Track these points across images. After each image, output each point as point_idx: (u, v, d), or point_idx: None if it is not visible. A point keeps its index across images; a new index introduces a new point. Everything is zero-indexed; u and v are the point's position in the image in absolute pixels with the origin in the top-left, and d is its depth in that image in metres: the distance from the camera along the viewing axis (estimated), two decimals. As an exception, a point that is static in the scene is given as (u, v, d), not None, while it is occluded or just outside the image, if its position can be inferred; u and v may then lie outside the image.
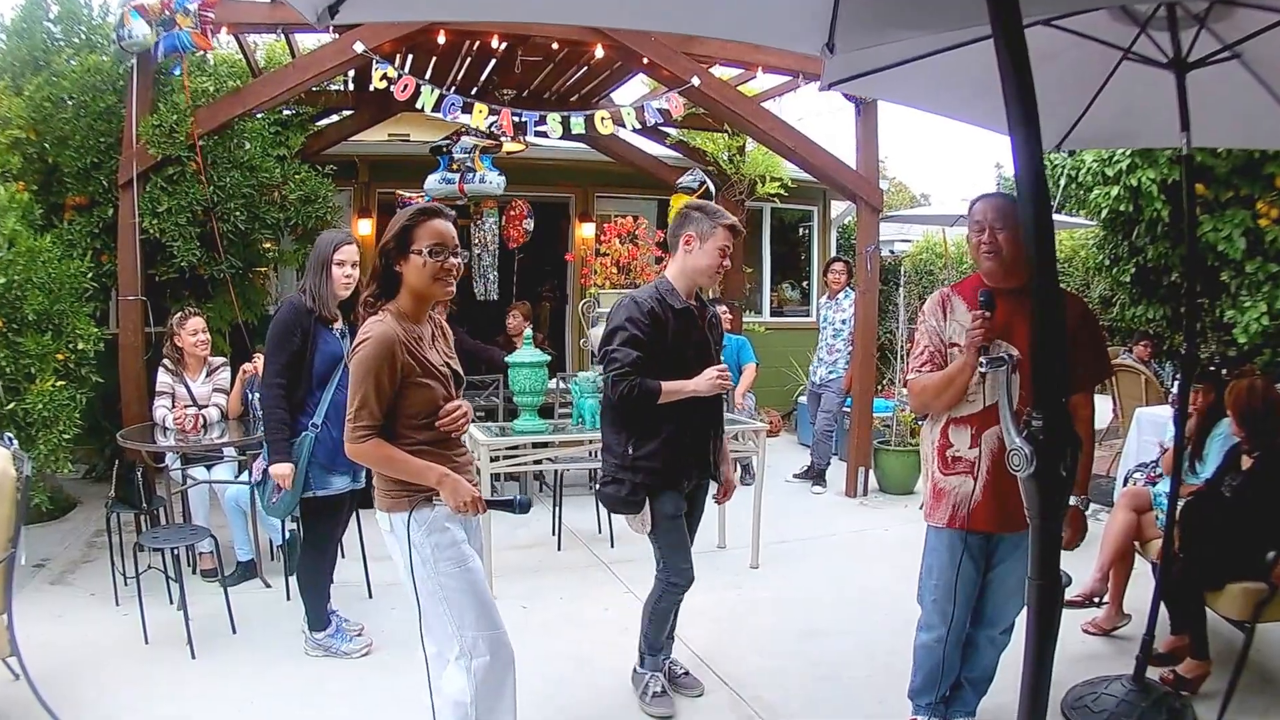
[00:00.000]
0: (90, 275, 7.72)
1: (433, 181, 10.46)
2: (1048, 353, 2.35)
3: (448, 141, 10.44)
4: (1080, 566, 5.80)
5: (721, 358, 5.19)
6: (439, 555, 3.69)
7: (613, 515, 7.60)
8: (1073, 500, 4.22)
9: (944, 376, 4.11)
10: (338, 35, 8.37)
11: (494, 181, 10.57)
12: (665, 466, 4.84)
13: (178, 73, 8.44)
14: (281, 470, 5.35)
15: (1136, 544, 5.82)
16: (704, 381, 4.79)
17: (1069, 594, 5.45)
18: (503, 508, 3.78)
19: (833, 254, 15.89)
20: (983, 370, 3.29)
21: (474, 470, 4.08)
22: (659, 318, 4.79)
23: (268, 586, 6.90)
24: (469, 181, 10.44)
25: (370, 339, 3.59)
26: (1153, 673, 5.00)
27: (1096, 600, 5.95)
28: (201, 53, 8.42)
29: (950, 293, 4.29)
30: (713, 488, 5.31)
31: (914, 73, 4.55)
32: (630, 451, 4.84)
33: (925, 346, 4.25)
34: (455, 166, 10.41)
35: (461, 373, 3.99)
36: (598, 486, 5.15)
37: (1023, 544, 4.09)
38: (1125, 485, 6.50)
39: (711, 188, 10.82)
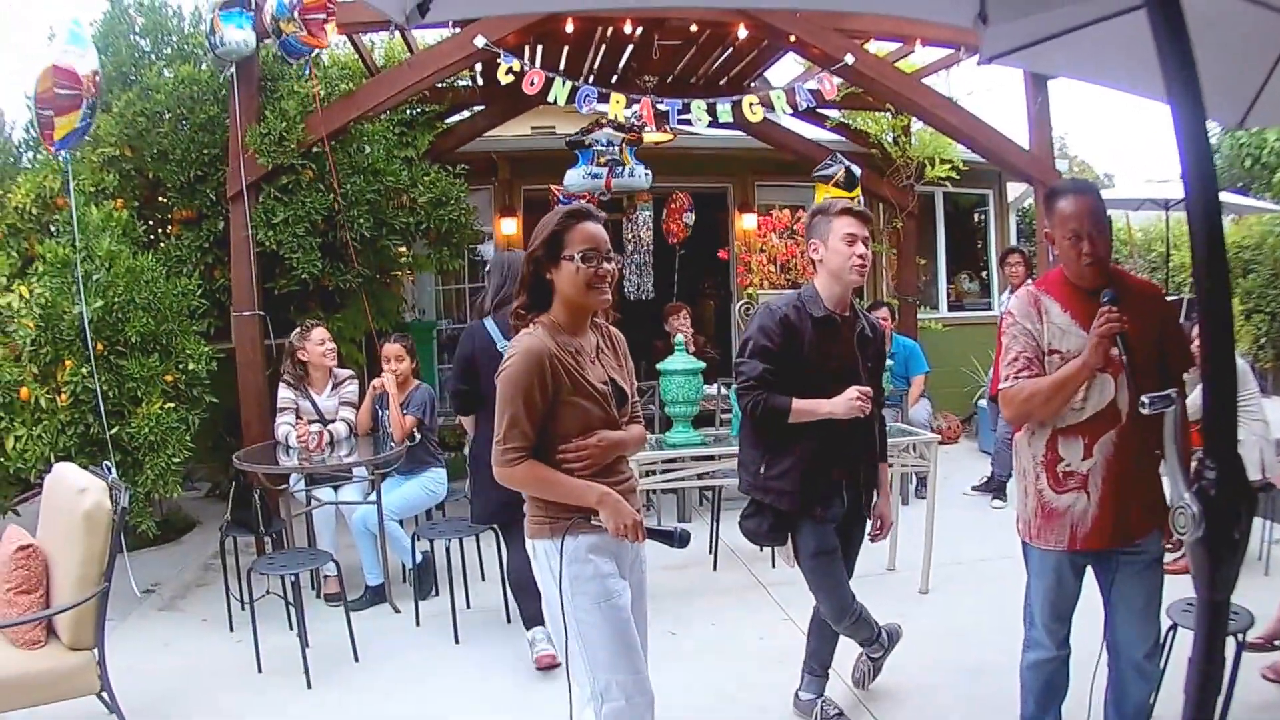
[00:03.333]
0: (200, 292, 7.92)
1: (575, 177, 10.32)
2: (1219, 388, 2.14)
3: (586, 135, 10.36)
4: (1264, 601, 5.43)
5: (874, 373, 4.99)
6: (576, 589, 3.60)
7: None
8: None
9: (1055, 381, 3.94)
10: (458, 29, 8.38)
11: (641, 175, 10.49)
12: (799, 489, 4.70)
13: (305, 75, 8.56)
14: None
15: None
16: (841, 403, 4.60)
17: (1250, 635, 5.14)
18: (661, 539, 3.65)
19: (1011, 241, 15.44)
20: (1145, 410, 3.10)
21: (638, 497, 3.97)
22: (793, 327, 4.64)
23: (397, 612, 6.92)
24: (617, 175, 10.35)
25: (518, 353, 3.53)
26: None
27: (1278, 643, 5.61)
28: (318, 52, 8.47)
29: (1039, 292, 4.14)
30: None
31: (1079, 42, 4.30)
32: (763, 470, 4.76)
33: (1020, 352, 4.08)
34: (602, 160, 10.32)
35: (628, 389, 3.88)
36: (739, 518, 5.01)
37: (1141, 558, 4.04)
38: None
39: (855, 171, 10.53)
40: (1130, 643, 4.14)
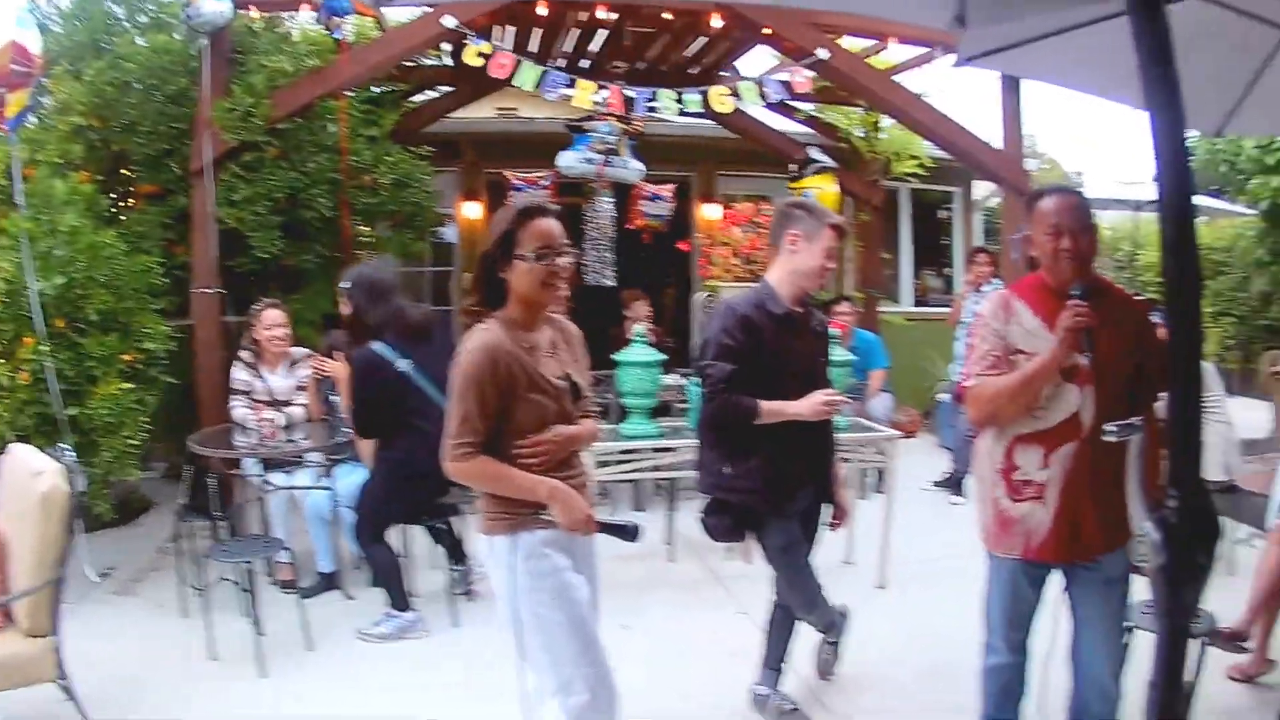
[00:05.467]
0: (162, 270, 7.80)
1: (570, 159, 10.39)
2: (1184, 412, 2.14)
3: (587, 120, 10.34)
4: (1227, 601, 5.48)
5: (829, 370, 5.08)
6: (535, 584, 3.61)
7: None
8: None
9: (1021, 376, 3.91)
10: (430, 8, 8.33)
11: (635, 168, 10.54)
12: (766, 487, 4.72)
13: (338, 37, 8.47)
14: None
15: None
16: (808, 406, 4.63)
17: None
18: (614, 533, 3.69)
19: (977, 239, 15.57)
20: (1110, 439, 3.11)
21: (590, 492, 4.01)
22: (754, 326, 4.63)
23: (350, 599, 6.87)
24: (612, 164, 10.36)
25: (474, 350, 3.53)
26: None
27: (1242, 643, 5.67)
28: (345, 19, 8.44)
29: (1010, 295, 4.13)
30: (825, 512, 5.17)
31: (1058, 47, 4.29)
32: (727, 470, 4.76)
33: (988, 350, 4.05)
34: (600, 147, 10.33)
35: (583, 384, 3.89)
36: (700, 515, 4.99)
37: (1100, 574, 4.03)
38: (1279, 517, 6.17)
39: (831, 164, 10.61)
40: (1091, 661, 4.17)
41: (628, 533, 3.66)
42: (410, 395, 6.06)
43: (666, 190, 12.40)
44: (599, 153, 10.25)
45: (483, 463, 3.56)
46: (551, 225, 3.60)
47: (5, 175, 7.68)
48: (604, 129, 10.15)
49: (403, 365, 6.08)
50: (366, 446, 6.38)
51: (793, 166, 11.05)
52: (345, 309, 6.42)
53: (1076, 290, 3.79)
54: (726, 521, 4.84)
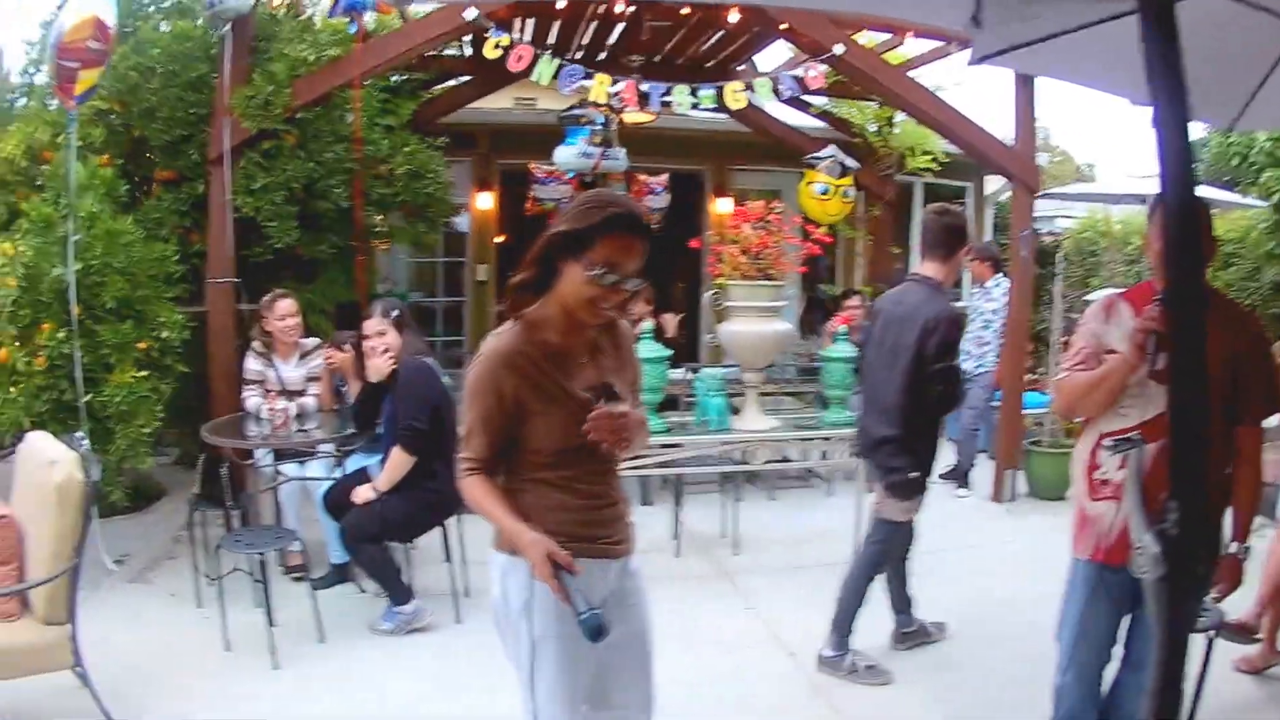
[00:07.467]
0: (177, 257, 7.77)
1: (569, 155, 10.31)
2: (1186, 422, 2.12)
3: (581, 111, 10.31)
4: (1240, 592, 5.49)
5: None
6: (533, 607, 3.24)
7: (736, 513, 8.05)
8: (1233, 548, 4.01)
9: (1095, 374, 4.02)
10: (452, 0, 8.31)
11: (623, 158, 10.55)
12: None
13: (354, 30, 8.43)
14: None
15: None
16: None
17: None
18: (570, 603, 2.97)
19: (988, 233, 15.59)
20: (1107, 454, 3.09)
21: (626, 522, 3.60)
22: None
23: (362, 591, 6.84)
24: (607, 156, 10.35)
25: (482, 358, 3.20)
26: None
27: (1251, 635, 5.68)
28: (376, 14, 8.49)
29: (1118, 298, 4.18)
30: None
31: (1073, 45, 4.25)
32: (923, 446, 5.61)
33: (1081, 348, 4.16)
34: (599, 140, 10.29)
35: (623, 392, 3.27)
36: (893, 479, 5.67)
37: None
38: (1292, 509, 6.21)
39: (849, 164, 10.58)
40: (1141, 660, 4.14)
41: (582, 622, 2.91)
42: (450, 418, 6.02)
43: (661, 182, 12.40)
44: (596, 145, 10.24)
45: (474, 484, 3.24)
46: (635, 247, 3.09)
47: (27, 156, 7.69)
48: (599, 120, 10.14)
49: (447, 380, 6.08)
50: (402, 466, 6.08)
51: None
52: (390, 336, 6.28)
53: (1160, 295, 3.81)
54: (918, 490, 5.69)
